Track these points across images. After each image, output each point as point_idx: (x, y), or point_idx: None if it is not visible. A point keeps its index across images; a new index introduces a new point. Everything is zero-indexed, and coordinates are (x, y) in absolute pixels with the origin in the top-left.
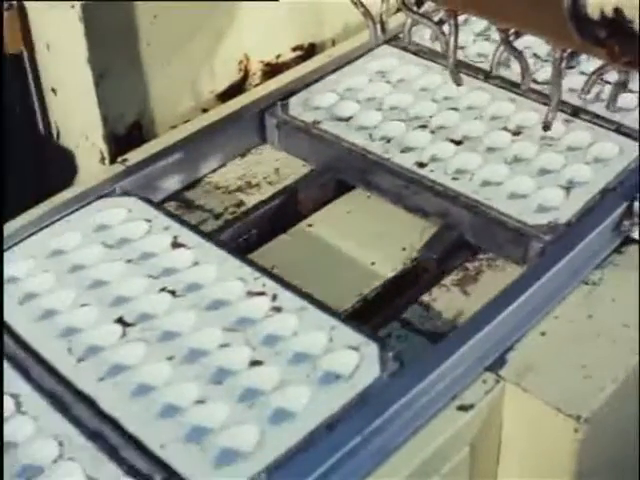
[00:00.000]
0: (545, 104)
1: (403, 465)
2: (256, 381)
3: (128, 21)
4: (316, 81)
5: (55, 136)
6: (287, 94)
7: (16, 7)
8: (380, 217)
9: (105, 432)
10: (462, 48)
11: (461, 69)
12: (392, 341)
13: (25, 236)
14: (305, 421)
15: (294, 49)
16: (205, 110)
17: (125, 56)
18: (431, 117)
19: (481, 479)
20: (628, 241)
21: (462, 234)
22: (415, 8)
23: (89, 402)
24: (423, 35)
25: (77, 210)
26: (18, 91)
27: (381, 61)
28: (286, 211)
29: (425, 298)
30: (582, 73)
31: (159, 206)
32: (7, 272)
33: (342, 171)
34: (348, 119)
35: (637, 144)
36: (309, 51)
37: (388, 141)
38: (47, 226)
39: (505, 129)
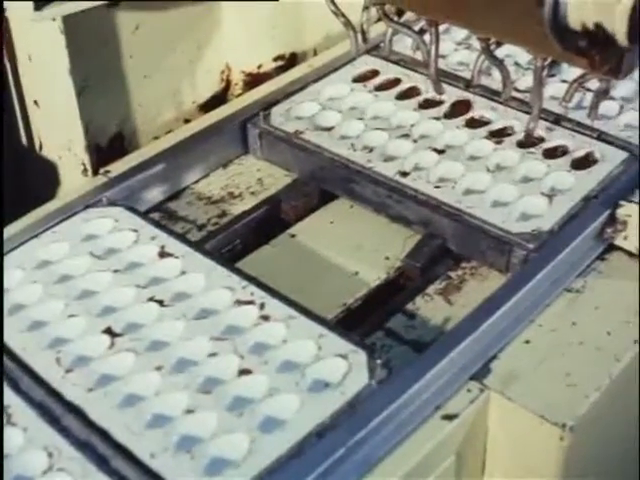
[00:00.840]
0: (527, 112)
1: (389, 474)
2: (245, 390)
3: (109, 32)
4: (298, 91)
5: (37, 148)
6: (269, 104)
7: None
8: (363, 226)
9: (95, 442)
10: (443, 57)
11: (442, 77)
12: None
13: (12, 247)
14: (295, 429)
15: (275, 59)
16: (187, 121)
17: (107, 67)
18: (412, 126)
19: None
20: (611, 248)
21: (445, 243)
22: (396, 17)
23: (78, 413)
24: (405, 44)
25: (63, 221)
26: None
27: (362, 69)
28: (269, 221)
29: (409, 307)
30: (563, 81)
31: (145, 216)
32: None
33: (325, 181)
34: (330, 129)
35: (618, 151)
36: (290, 61)
37: (370, 150)
38: (34, 237)
39: (487, 137)
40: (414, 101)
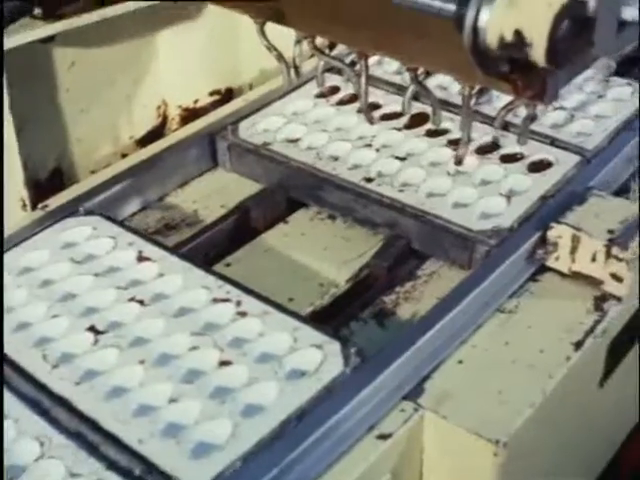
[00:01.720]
0: (483, 122)
1: None
2: (226, 379)
3: (47, 67)
4: (264, 107)
5: None
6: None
7: None
8: (331, 231)
9: (84, 431)
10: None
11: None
12: None
13: None
14: (275, 414)
15: (212, 93)
16: (125, 155)
17: (45, 102)
18: (374, 137)
19: None
20: (544, 269)
21: (410, 243)
22: (327, 51)
23: (67, 405)
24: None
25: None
26: None
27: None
28: (240, 229)
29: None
30: None
31: (122, 224)
32: None
33: (293, 189)
34: (296, 140)
35: (571, 155)
36: (227, 95)
37: (336, 159)
38: (14, 246)
39: (446, 145)
40: (376, 114)
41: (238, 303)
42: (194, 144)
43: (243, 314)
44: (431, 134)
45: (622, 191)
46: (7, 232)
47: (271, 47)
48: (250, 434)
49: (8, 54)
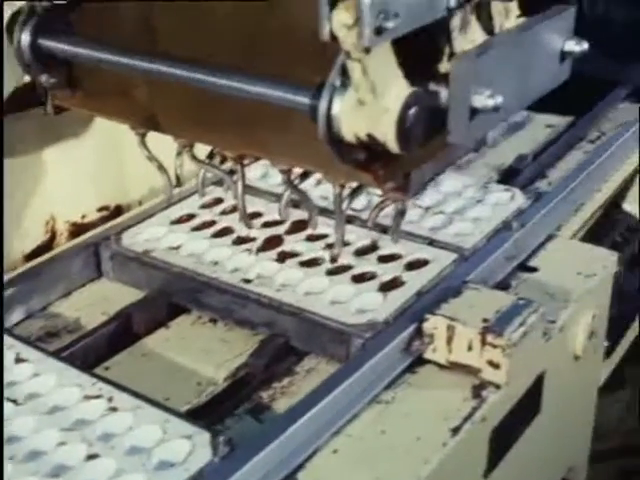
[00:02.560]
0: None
1: None
2: (92, 473)
3: None
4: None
5: None
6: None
7: None
8: (210, 334)
9: None
10: None
11: None
12: None
13: None
14: None
15: (100, 209)
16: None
17: None
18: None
19: None
20: (422, 361)
21: (289, 341)
22: (207, 160)
23: None
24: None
25: None
26: None
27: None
28: (121, 334)
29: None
30: None
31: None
32: None
33: (174, 294)
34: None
35: (448, 253)
36: (115, 212)
37: (216, 263)
38: None
39: (324, 248)
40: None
41: (110, 399)
42: (79, 254)
43: (114, 409)
44: (311, 239)
45: (502, 288)
46: None
47: (152, 158)
48: None
49: None
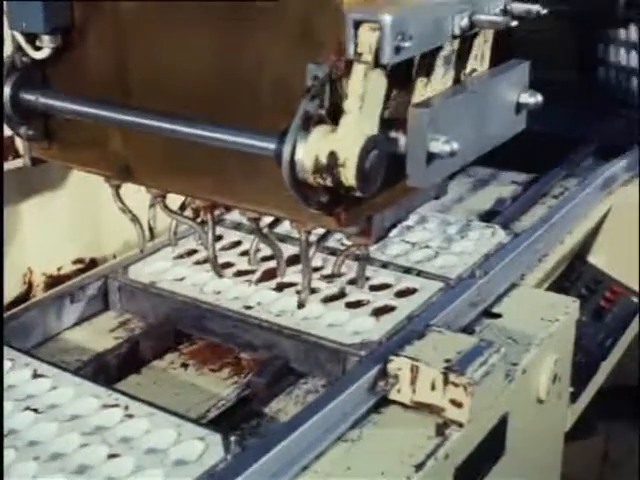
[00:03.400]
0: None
1: None
2: (114, 470)
3: None
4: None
5: None
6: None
7: None
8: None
9: None
10: None
11: None
12: None
13: None
14: None
15: (75, 262)
16: None
17: None
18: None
19: None
20: (388, 402)
21: (288, 362)
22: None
23: None
24: None
25: None
26: None
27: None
28: (129, 360)
29: None
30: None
31: (18, 349)
32: None
33: (179, 322)
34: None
35: (435, 282)
36: (90, 265)
37: (218, 293)
38: None
39: (319, 279)
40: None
41: (126, 407)
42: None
43: (130, 416)
44: (282, 286)
45: (467, 333)
46: None
47: (126, 210)
48: None
49: None
